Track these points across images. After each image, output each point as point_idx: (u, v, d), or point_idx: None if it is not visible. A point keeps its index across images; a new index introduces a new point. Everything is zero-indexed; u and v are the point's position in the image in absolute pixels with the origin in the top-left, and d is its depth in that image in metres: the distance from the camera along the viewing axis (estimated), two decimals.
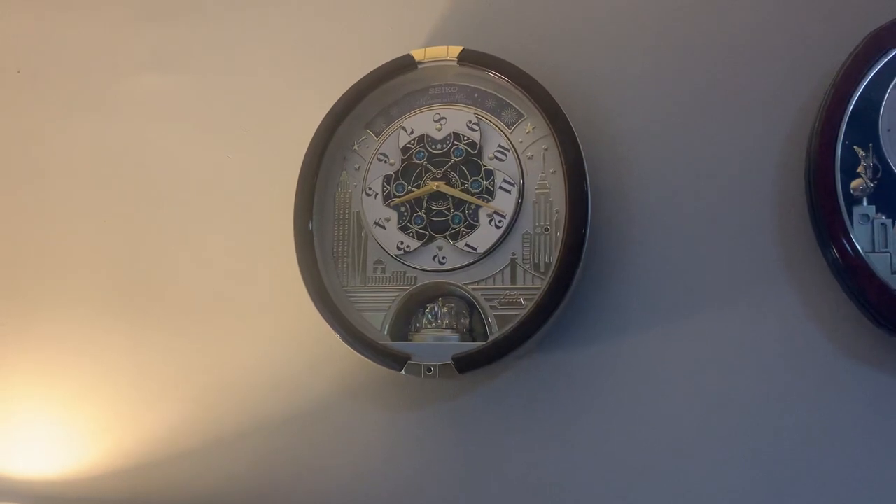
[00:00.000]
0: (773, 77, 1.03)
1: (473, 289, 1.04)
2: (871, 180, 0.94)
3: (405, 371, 1.01)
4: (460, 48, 1.06)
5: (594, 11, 1.10)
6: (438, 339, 1.03)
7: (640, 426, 1.01)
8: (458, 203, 1.05)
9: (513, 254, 1.03)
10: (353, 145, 1.10)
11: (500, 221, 1.04)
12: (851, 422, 0.96)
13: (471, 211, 1.05)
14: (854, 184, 0.94)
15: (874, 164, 0.94)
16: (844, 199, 0.94)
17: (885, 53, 0.96)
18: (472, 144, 1.06)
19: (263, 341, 1.13)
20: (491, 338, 1.01)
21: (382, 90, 1.09)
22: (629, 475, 1.01)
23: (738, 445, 0.98)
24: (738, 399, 0.99)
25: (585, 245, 0.99)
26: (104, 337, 1.18)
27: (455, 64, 1.06)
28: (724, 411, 0.99)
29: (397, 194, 1.07)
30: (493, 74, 1.05)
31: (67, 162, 1.25)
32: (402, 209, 1.06)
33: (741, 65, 1.05)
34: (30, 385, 1.20)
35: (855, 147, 0.95)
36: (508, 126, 1.06)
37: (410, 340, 1.04)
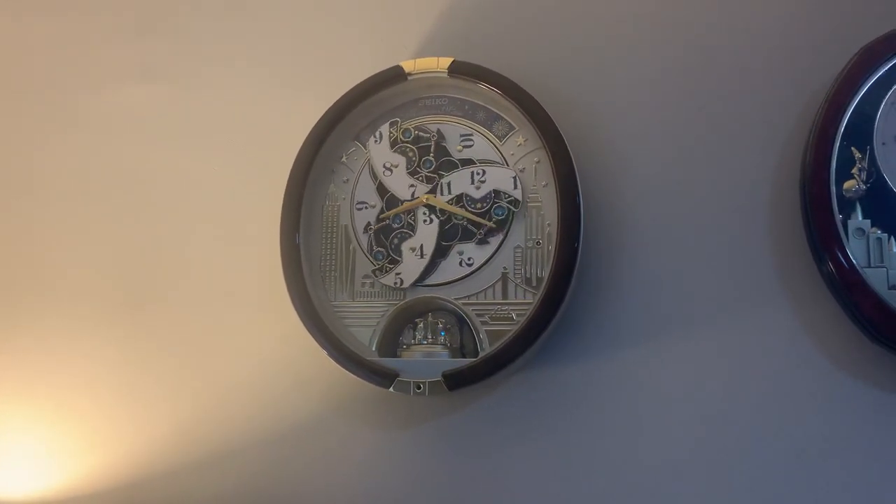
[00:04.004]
0: (768, 90, 1.03)
1: (464, 304, 1.02)
2: (864, 182, 0.94)
3: (394, 388, 0.99)
4: (451, 59, 1.05)
5: (586, 23, 1.10)
6: (428, 355, 1.01)
7: (634, 441, 1.00)
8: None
9: (504, 268, 1.02)
10: (342, 157, 1.09)
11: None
12: (847, 437, 0.95)
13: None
14: (847, 185, 0.94)
15: (868, 168, 0.94)
16: (839, 212, 0.93)
17: (879, 67, 0.96)
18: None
19: (250, 358, 1.11)
20: (482, 354, 0.99)
21: (371, 102, 1.08)
22: (625, 491, 1.00)
23: (733, 459, 0.97)
24: (733, 413, 0.98)
25: (578, 259, 0.98)
26: (89, 353, 1.16)
27: (445, 75, 1.05)
28: (720, 425, 0.98)
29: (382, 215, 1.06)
30: (483, 86, 1.04)
31: (52, 173, 1.23)
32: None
33: (735, 78, 1.04)
34: (12, 402, 1.18)
35: (853, 148, 0.94)
36: (500, 138, 1.05)
37: (399, 357, 1.03)
